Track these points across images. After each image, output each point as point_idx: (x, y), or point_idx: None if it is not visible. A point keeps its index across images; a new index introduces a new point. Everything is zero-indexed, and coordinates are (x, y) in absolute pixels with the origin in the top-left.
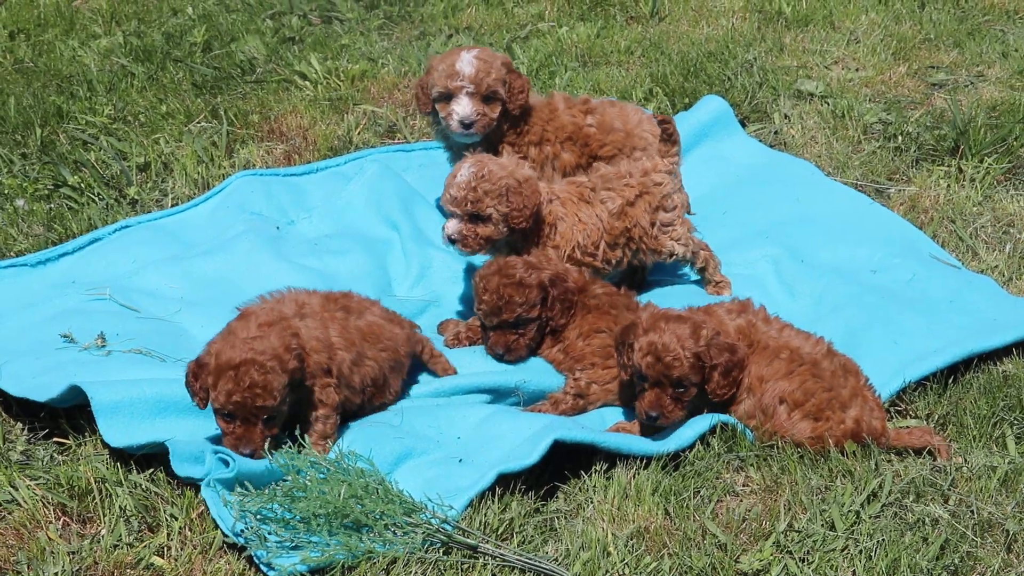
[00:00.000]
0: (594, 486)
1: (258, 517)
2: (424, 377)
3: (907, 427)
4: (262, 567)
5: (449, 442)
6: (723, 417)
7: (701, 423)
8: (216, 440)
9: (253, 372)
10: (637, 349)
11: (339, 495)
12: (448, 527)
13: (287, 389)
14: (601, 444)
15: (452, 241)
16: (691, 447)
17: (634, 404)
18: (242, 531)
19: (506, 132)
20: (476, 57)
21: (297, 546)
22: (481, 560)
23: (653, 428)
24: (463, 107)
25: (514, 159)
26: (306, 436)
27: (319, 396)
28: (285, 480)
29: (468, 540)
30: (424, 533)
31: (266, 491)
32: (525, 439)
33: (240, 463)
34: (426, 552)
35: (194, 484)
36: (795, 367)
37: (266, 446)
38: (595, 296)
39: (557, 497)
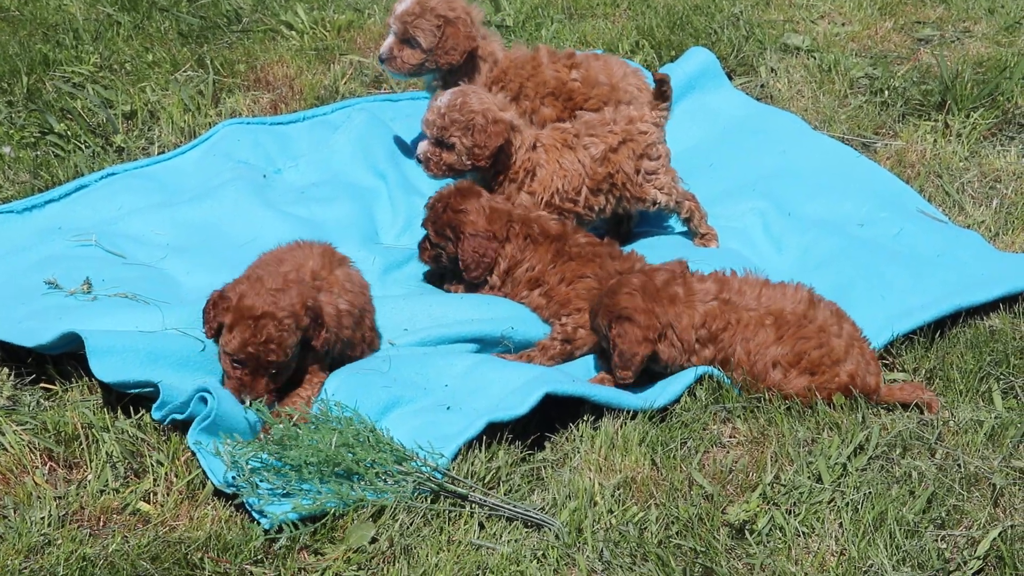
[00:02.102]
0: (581, 436)
1: (249, 466)
2: (411, 326)
3: (898, 383)
4: (254, 514)
5: (436, 390)
6: (709, 369)
7: (687, 376)
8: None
9: (271, 326)
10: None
11: (330, 444)
12: (439, 475)
13: (299, 346)
14: (591, 397)
15: (419, 161)
16: (678, 400)
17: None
18: (234, 478)
19: (461, 82)
20: (414, 0)
21: (288, 494)
22: (468, 508)
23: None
24: (384, 44)
25: (500, 99)
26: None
27: (315, 370)
28: (278, 427)
29: (458, 489)
30: (415, 481)
31: (258, 440)
32: (514, 389)
33: (221, 406)
34: (415, 500)
35: (180, 429)
36: (783, 332)
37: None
38: (577, 244)
39: (544, 447)
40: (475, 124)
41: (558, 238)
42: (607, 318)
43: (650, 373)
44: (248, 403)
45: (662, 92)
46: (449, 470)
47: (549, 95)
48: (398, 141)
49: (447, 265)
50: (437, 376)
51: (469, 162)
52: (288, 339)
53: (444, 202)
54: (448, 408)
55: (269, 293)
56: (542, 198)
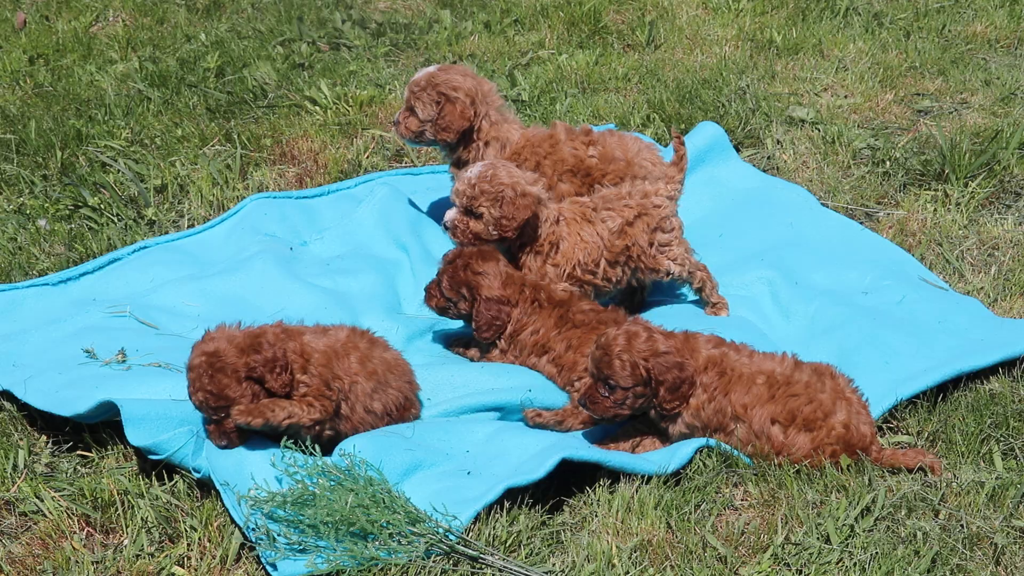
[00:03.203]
0: (598, 500)
1: (269, 516)
2: (433, 396)
3: (902, 447)
4: (267, 567)
5: (458, 455)
6: (711, 441)
7: (695, 440)
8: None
9: (204, 377)
10: (595, 343)
11: (346, 504)
12: (452, 537)
13: (248, 385)
14: (606, 462)
15: (446, 228)
16: (690, 462)
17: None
18: (252, 531)
19: (460, 153)
20: (427, 72)
21: (304, 549)
22: (488, 572)
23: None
24: (399, 112)
25: (531, 175)
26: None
27: (312, 400)
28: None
29: (470, 551)
30: (427, 543)
31: (276, 495)
32: (533, 454)
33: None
34: (431, 562)
35: (211, 495)
36: (775, 390)
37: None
38: (581, 311)
39: (563, 510)
40: (504, 196)
41: (561, 304)
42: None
43: (647, 422)
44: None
45: (679, 156)
46: (465, 533)
47: (567, 172)
48: (419, 214)
49: (452, 316)
50: (459, 442)
51: (496, 232)
52: (228, 387)
53: (464, 260)
54: (469, 473)
55: (199, 346)
56: (564, 270)
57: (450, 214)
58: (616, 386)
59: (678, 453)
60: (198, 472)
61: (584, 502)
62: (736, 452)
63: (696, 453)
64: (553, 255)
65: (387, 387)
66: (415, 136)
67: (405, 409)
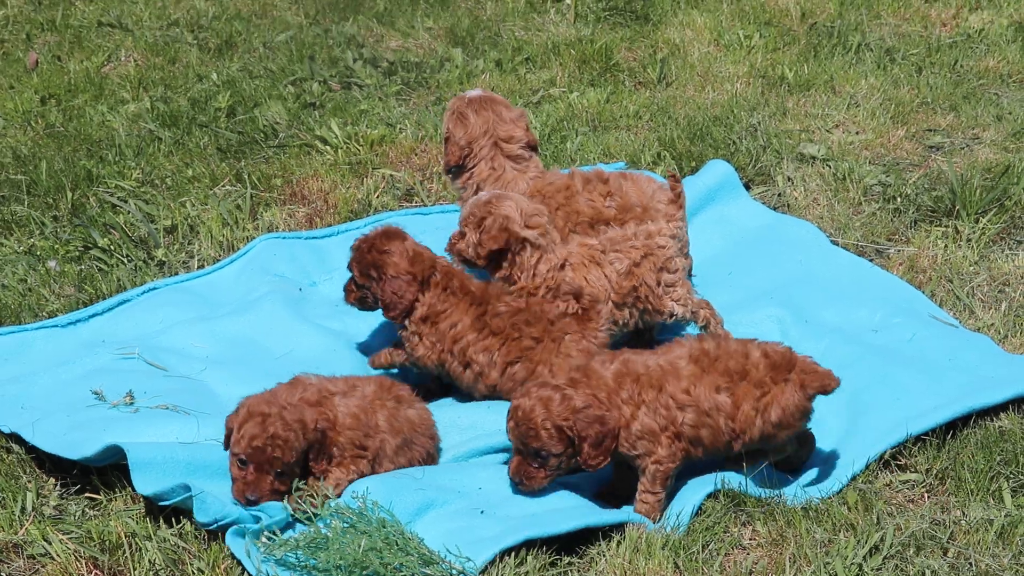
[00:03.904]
0: (606, 540)
1: (280, 563)
2: (444, 442)
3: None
4: None
5: (470, 493)
6: (728, 475)
7: (704, 487)
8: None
9: (278, 424)
10: (508, 413)
11: (358, 547)
12: None
13: (301, 455)
14: (626, 521)
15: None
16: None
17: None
18: None
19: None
20: (459, 98)
21: None
22: None
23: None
24: None
25: (536, 205)
26: (322, 480)
27: (348, 463)
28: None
29: None
30: None
31: (289, 540)
32: (554, 508)
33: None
34: None
35: (219, 535)
36: (703, 364)
37: (284, 500)
38: (498, 314)
39: (572, 551)
40: (484, 223)
41: (479, 301)
42: None
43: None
44: (247, 502)
45: (676, 193)
46: (480, 574)
47: (584, 223)
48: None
49: (372, 307)
50: (471, 480)
51: (473, 255)
52: (293, 440)
53: (369, 243)
54: (482, 512)
55: (279, 403)
56: None
57: (454, 233)
58: (548, 455)
59: (689, 501)
60: (207, 525)
61: (591, 542)
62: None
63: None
64: (552, 300)
65: (412, 444)
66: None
67: (428, 463)
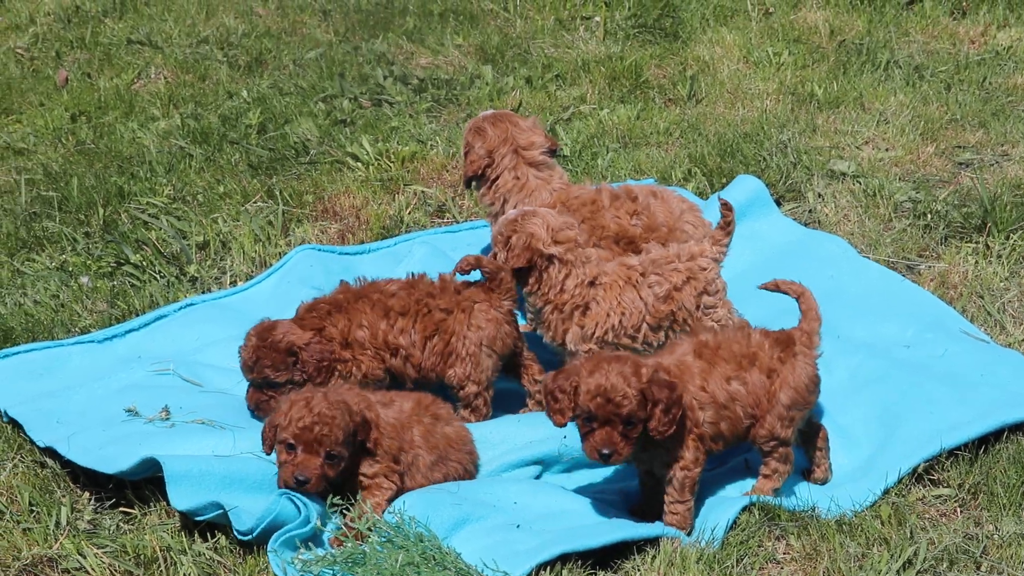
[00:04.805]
0: (641, 554)
1: None
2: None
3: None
4: None
5: (506, 507)
6: (762, 497)
7: (738, 501)
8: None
9: (324, 405)
10: (584, 392)
11: (396, 562)
12: None
13: (349, 439)
14: (663, 535)
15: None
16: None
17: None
18: None
19: (480, 198)
20: (476, 119)
21: None
22: None
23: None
24: None
25: (566, 219)
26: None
27: (380, 479)
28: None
29: None
30: None
31: (327, 555)
32: (590, 524)
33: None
34: None
35: (255, 549)
36: (707, 356)
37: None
38: (391, 294)
39: (607, 566)
40: (510, 241)
41: (358, 296)
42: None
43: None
44: (297, 484)
45: (726, 222)
46: None
47: (608, 239)
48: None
49: (301, 384)
50: (506, 494)
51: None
52: (339, 419)
53: (257, 347)
54: (518, 526)
55: (320, 391)
56: (592, 333)
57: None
58: (633, 417)
59: (724, 515)
60: (245, 536)
61: (625, 556)
62: (775, 501)
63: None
64: (580, 316)
65: (448, 460)
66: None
67: (465, 479)
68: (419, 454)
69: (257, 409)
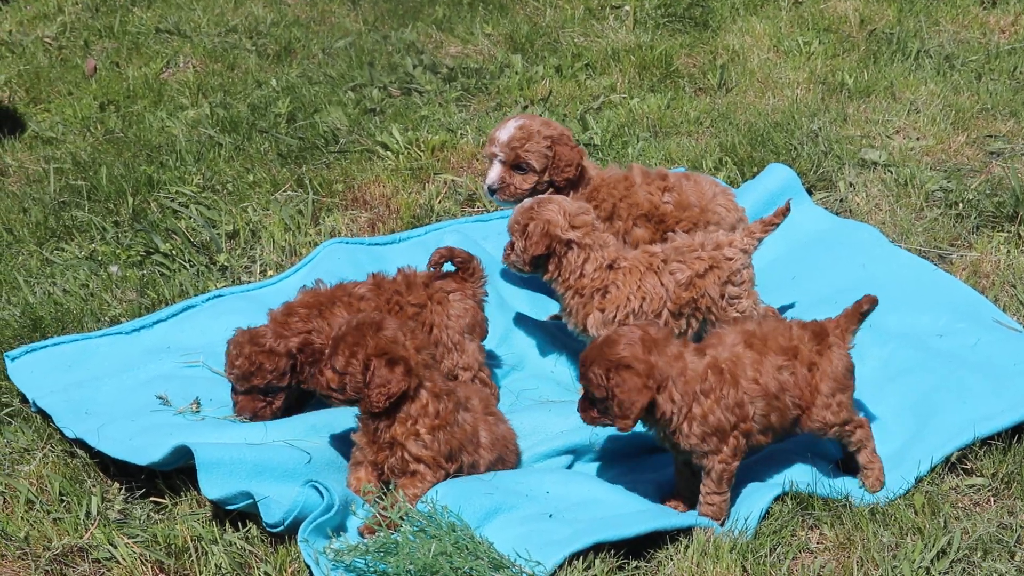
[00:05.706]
0: (674, 544)
1: (350, 568)
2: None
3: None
4: None
5: (538, 497)
6: (796, 476)
7: (771, 490)
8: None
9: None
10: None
11: (429, 551)
12: None
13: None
14: (696, 524)
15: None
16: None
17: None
18: None
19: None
20: (516, 126)
21: None
22: None
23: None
24: (491, 174)
25: (581, 204)
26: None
27: (423, 467)
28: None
29: None
30: None
31: (359, 545)
32: (624, 513)
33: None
34: None
35: (286, 539)
36: (757, 347)
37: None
38: (362, 298)
39: (640, 555)
40: (528, 229)
41: (326, 303)
42: (604, 367)
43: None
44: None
45: (774, 218)
46: None
47: (641, 217)
48: (490, 259)
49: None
50: (538, 484)
51: (520, 263)
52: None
53: (259, 354)
54: (551, 516)
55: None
56: (613, 316)
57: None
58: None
59: (757, 505)
60: (274, 528)
61: (659, 546)
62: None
63: (772, 501)
64: (600, 299)
65: (505, 461)
66: (527, 193)
67: None
68: (482, 454)
69: (255, 417)
